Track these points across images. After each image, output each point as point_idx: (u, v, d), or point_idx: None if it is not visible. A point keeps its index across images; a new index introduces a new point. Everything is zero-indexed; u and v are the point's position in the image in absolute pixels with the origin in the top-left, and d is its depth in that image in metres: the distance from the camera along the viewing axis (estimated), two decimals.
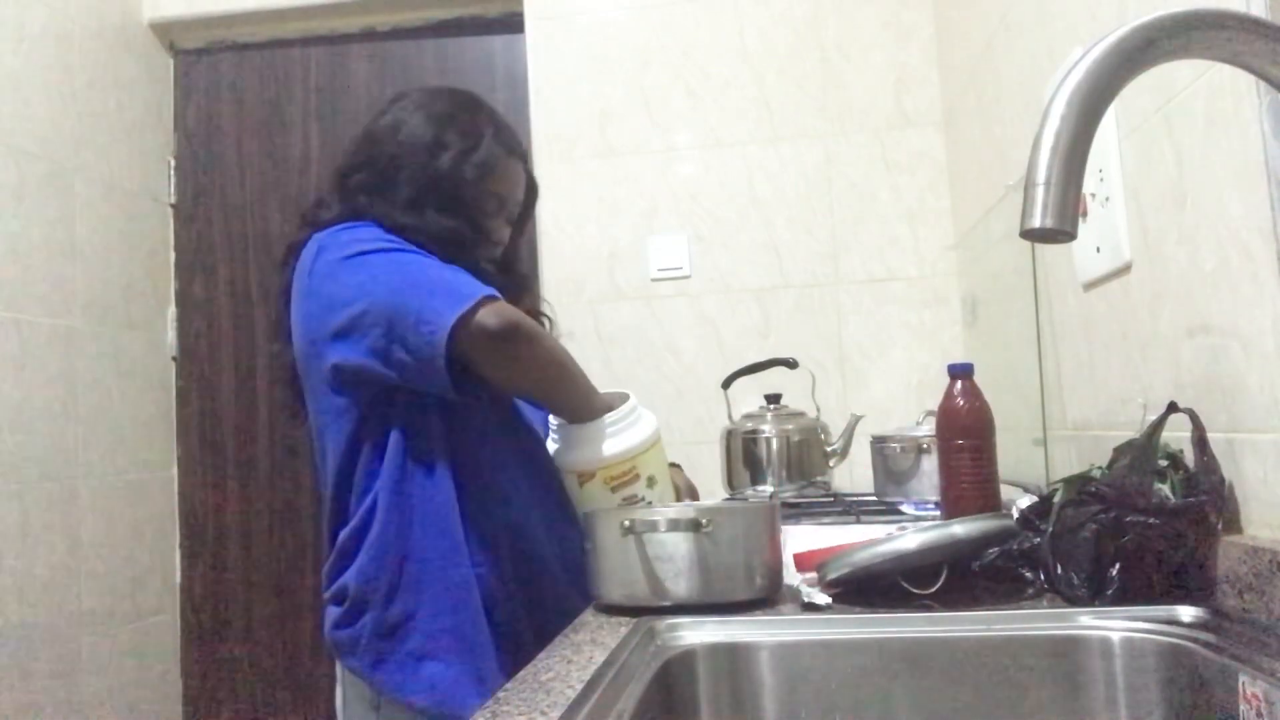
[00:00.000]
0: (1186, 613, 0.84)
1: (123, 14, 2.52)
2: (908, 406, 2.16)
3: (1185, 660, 0.79)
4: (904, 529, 1.05)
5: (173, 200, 2.65)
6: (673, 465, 1.37)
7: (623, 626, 0.93)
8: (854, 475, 2.00)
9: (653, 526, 0.99)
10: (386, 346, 1.16)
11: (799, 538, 1.23)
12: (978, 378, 1.19)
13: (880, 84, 2.33)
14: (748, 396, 1.96)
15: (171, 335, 2.61)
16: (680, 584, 0.98)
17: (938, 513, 1.27)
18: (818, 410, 1.92)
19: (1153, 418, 0.98)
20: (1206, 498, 0.89)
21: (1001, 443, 1.18)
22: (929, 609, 0.94)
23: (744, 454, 1.86)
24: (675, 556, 0.98)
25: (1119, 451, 1.00)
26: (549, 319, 1.47)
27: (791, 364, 1.92)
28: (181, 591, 2.57)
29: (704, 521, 0.99)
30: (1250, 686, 0.69)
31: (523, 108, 2.40)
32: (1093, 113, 0.65)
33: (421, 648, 1.18)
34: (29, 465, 2.07)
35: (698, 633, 0.91)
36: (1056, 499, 0.98)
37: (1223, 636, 0.77)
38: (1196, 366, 1.02)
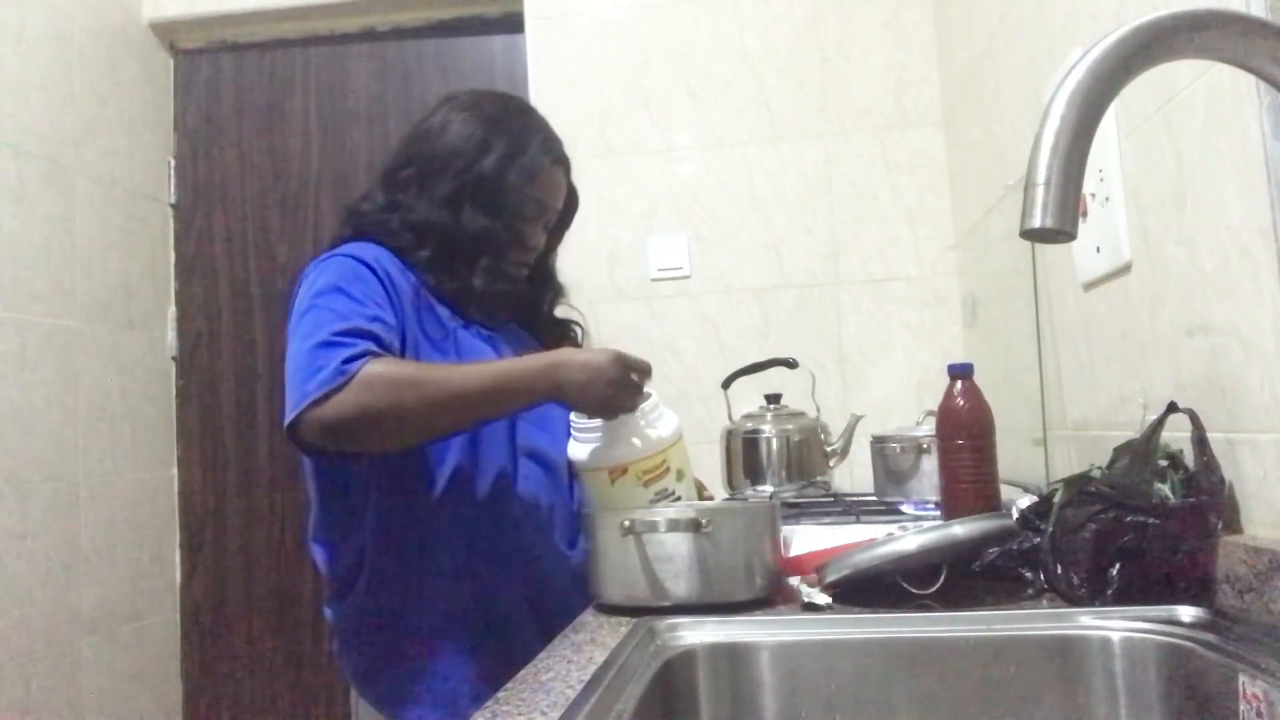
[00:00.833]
0: (1186, 613, 0.84)
1: (123, 14, 2.52)
2: (908, 406, 2.16)
3: (1185, 660, 0.79)
4: (904, 529, 1.05)
5: (173, 200, 2.65)
6: None
7: (623, 626, 0.93)
8: (854, 475, 1.99)
9: (653, 527, 0.99)
10: None
11: (802, 538, 1.22)
12: (978, 378, 1.19)
13: (880, 84, 2.33)
14: (748, 396, 1.95)
15: (171, 335, 2.61)
16: (680, 584, 0.98)
17: (938, 513, 1.27)
18: (818, 410, 1.91)
19: (1153, 418, 0.98)
20: (1206, 498, 0.89)
21: (1001, 443, 1.18)
22: (929, 609, 0.94)
23: (744, 454, 1.85)
24: (675, 556, 0.98)
25: (1119, 451, 1.00)
26: (580, 327, 1.46)
27: (791, 364, 1.92)
28: (181, 591, 2.58)
29: (704, 522, 0.99)
30: (1250, 686, 0.69)
31: None
32: (1093, 113, 0.65)
33: (424, 665, 1.18)
34: (29, 465, 2.07)
35: (698, 633, 0.91)
36: (1056, 499, 0.98)
37: (1223, 636, 0.77)
38: (1196, 366, 1.02)
